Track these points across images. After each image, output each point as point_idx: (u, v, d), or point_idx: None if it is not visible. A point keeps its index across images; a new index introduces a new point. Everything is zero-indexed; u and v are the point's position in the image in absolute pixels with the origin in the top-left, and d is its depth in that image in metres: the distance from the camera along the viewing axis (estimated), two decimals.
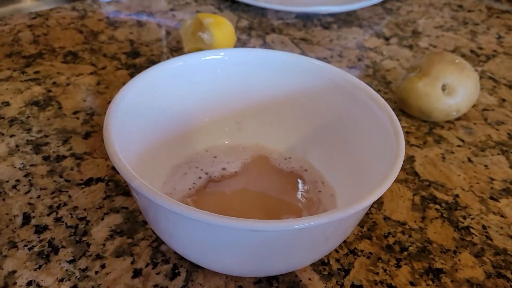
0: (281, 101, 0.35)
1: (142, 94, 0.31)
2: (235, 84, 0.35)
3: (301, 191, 0.33)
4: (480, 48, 0.57)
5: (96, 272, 0.28)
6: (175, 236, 0.26)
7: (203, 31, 0.43)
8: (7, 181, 0.34)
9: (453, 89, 0.40)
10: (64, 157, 0.36)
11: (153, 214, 0.26)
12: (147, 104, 0.31)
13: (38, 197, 0.33)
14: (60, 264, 0.29)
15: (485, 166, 0.39)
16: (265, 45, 0.54)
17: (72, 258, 0.29)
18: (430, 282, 0.29)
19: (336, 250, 0.31)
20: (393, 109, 0.31)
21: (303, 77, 0.34)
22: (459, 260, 0.31)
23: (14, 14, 0.56)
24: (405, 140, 0.41)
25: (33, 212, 0.32)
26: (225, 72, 0.34)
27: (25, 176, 0.34)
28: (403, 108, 0.44)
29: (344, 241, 0.31)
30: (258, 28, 0.57)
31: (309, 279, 0.29)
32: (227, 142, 0.36)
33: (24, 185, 0.34)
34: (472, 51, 0.56)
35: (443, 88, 0.40)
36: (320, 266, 0.30)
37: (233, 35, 0.45)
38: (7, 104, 0.41)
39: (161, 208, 0.23)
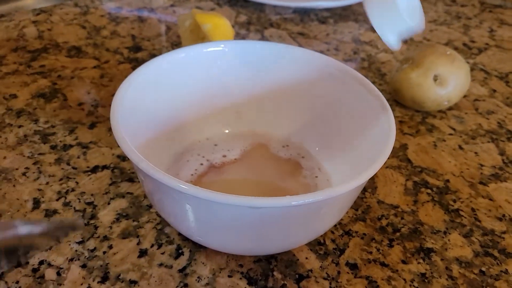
0: (279, 91, 0.37)
1: (146, 84, 0.32)
2: (234, 75, 0.36)
3: (298, 177, 0.35)
4: (473, 42, 0.59)
5: (104, 252, 0.30)
6: (179, 216, 0.27)
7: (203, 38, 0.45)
8: (16, 169, 0.35)
9: (445, 80, 0.42)
10: (71, 146, 0.38)
11: (158, 195, 0.27)
12: (150, 95, 0.33)
13: (47, 183, 0.34)
14: (70, 245, 0.30)
15: (475, 153, 0.41)
16: (263, 39, 0.55)
17: (81, 239, 0.31)
18: (421, 260, 0.31)
19: (331, 231, 0.32)
20: (387, 100, 0.33)
21: (300, 67, 0.35)
22: (449, 240, 0.33)
23: (18, 10, 0.57)
24: (399, 129, 0.42)
25: (43, 197, 0.33)
26: (225, 63, 0.36)
27: (34, 164, 0.36)
28: (397, 99, 0.45)
29: (339, 223, 0.33)
30: (256, 23, 0.59)
31: (306, 258, 0.31)
32: (227, 131, 0.38)
33: (33, 172, 0.35)
34: (464, 44, 0.58)
35: (435, 78, 0.42)
36: (317, 246, 0.31)
37: (232, 36, 0.47)
38: (14, 96, 0.43)
39: (166, 187, 0.24)
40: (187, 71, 0.35)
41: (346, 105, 0.34)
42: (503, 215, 0.35)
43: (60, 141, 0.38)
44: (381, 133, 0.29)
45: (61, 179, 0.35)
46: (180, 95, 0.35)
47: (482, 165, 0.39)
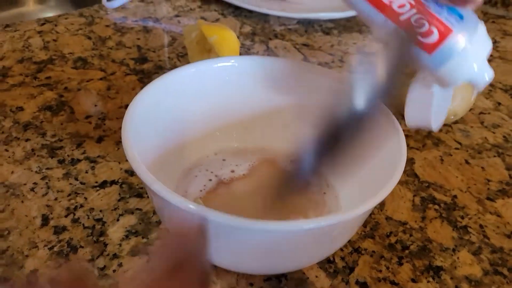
0: (287, 107, 0.37)
1: (157, 100, 0.32)
2: (243, 90, 0.36)
3: (307, 193, 0.35)
4: None
5: (114, 271, 0.30)
6: None
7: (209, 54, 0.45)
8: (24, 184, 0.35)
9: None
10: (79, 160, 0.38)
11: (170, 214, 0.27)
12: (161, 110, 0.33)
13: (56, 199, 0.34)
14: (79, 263, 0.30)
15: (482, 168, 0.41)
16: (268, 50, 0.55)
17: (90, 257, 0.30)
18: (430, 279, 0.31)
19: (341, 249, 0.32)
20: (394, 113, 0.33)
21: (308, 83, 0.35)
22: (458, 258, 0.33)
23: (23, 20, 0.57)
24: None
25: (51, 213, 0.33)
26: (235, 79, 0.36)
27: (42, 179, 0.36)
28: (403, 112, 0.45)
29: (349, 240, 0.33)
30: (261, 34, 0.59)
31: (316, 276, 0.31)
32: (235, 146, 0.38)
33: (42, 188, 0.35)
34: None
35: None
36: (326, 264, 0.31)
37: (237, 48, 0.47)
38: (21, 109, 0.43)
39: (178, 209, 0.24)
40: (197, 86, 0.35)
41: None
42: (511, 232, 0.35)
43: (68, 155, 0.38)
44: (392, 152, 0.29)
45: (69, 195, 0.35)
46: (189, 111, 0.35)
47: (489, 180, 0.39)
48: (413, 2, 0.29)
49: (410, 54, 0.29)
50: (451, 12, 0.29)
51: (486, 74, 0.31)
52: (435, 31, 0.28)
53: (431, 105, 0.33)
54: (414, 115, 0.34)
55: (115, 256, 0.31)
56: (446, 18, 0.28)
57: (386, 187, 0.26)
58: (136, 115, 0.30)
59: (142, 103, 0.31)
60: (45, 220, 0.33)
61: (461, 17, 0.29)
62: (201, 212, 0.23)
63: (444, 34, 0.28)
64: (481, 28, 0.30)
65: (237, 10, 0.64)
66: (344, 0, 0.32)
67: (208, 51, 0.48)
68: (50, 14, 0.76)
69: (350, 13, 0.61)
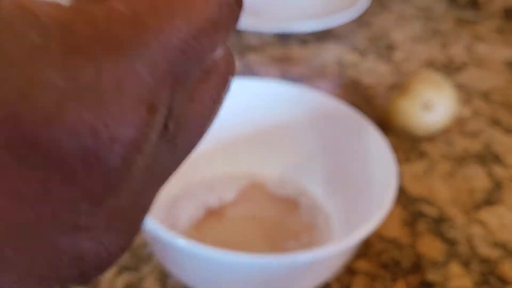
0: (274, 130, 0.37)
1: None
2: (227, 113, 0.36)
3: (297, 216, 0.35)
4: (451, 60, 0.60)
5: None
6: (185, 270, 0.27)
7: None
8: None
9: (432, 107, 0.43)
10: None
11: (164, 251, 0.27)
12: None
13: None
14: None
15: (465, 178, 0.41)
16: (244, 65, 0.55)
17: None
18: None
19: None
20: (378, 126, 0.33)
21: (294, 106, 0.35)
22: (449, 271, 0.33)
23: None
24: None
25: None
26: None
27: None
28: (387, 126, 0.46)
29: None
30: (235, 48, 0.58)
31: None
32: (222, 171, 0.38)
33: None
34: (443, 63, 0.59)
35: (423, 106, 0.43)
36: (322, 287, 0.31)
37: None
38: None
39: (175, 247, 0.24)
40: None
41: (343, 142, 0.34)
42: (497, 242, 0.36)
43: None
44: (381, 170, 0.30)
45: None
46: None
47: (473, 191, 0.40)
48: None
49: None
50: None
51: None
52: None
53: None
54: None
55: None
56: None
57: (380, 211, 0.26)
58: None
59: None
60: None
61: None
62: (195, 249, 0.23)
63: None
64: None
65: None
66: None
67: None
68: None
69: (325, 25, 0.61)
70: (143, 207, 0.12)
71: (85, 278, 0.12)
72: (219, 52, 0.12)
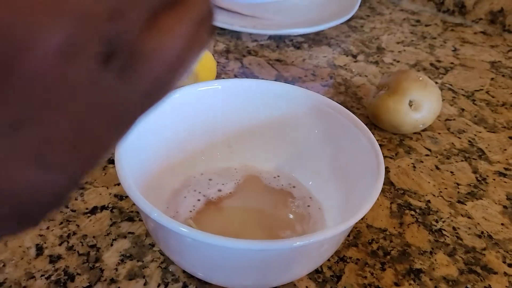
0: (269, 125, 0.39)
1: (145, 126, 0.33)
2: (226, 111, 0.38)
3: (291, 207, 0.37)
4: (439, 61, 0.62)
5: None
6: (186, 257, 0.29)
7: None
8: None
9: (419, 105, 0.45)
10: None
11: (167, 239, 0.28)
12: (149, 135, 0.34)
13: (48, 228, 0.35)
14: None
15: (451, 172, 0.43)
16: (243, 67, 0.57)
17: (88, 284, 0.31)
18: (412, 282, 0.33)
19: (328, 259, 0.34)
20: (366, 124, 0.35)
21: (288, 103, 0.37)
22: (435, 260, 0.35)
23: None
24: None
25: (45, 243, 0.34)
26: (218, 101, 0.37)
27: None
28: (375, 123, 0.48)
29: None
30: (234, 51, 0.60)
31: (306, 286, 0.32)
32: (220, 165, 0.39)
33: None
34: (431, 64, 0.61)
35: (410, 104, 0.45)
36: (315, 274, 0.33)
37: (215, 67, 0.48)
38: None
39: (178, 235, 0.26)
40: (182, 110, 0.36)
41: (333, 137, 0.36)
42: (482, 232, 0.38)
43: None
44: (369, 163, 0.32)
45: (61, 223, 0.35)
46: (176, 134, 0.37)
47: (458, 184, 0.42)
48: None
49: None
50: None
51: None
52: None
53: None
54: None
55: (112, 281, 0.32)
56: None
57: (369, 201, 0.28)
58: (127, 143, 0.31)
59: (133, 130, 0.32)
60: (40, 249, 0.33)
61: None
62: (196, 236, 0.25)
63: None
64: None
65: None
66: None
67: None
68: None
69: (318, 28, 0.63)
70: (95, 145, 0.11)
71: (24, 219, 0.11)
72: None
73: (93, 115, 0.11)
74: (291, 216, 0.36)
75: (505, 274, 0.34)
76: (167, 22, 0.11)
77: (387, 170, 0.43)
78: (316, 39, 0.65)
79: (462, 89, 0.57)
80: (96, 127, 0.11)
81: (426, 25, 0.73)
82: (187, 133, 0.37)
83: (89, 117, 0.10)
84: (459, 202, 0.40)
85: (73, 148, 0.10)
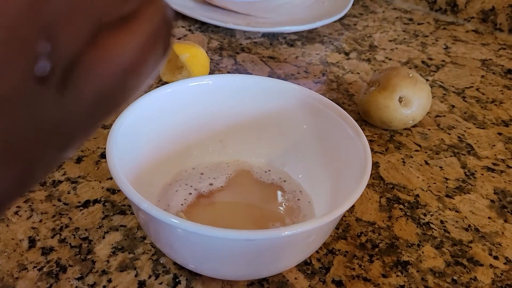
0: (260, 120, 0.39)
1: (137, 121, 0.34)
2: (217, 106, 0.39)
3: (282, 200, 0.37)
4: (430, 59, 0.63)
5: (104, 287, 0.31)
6: (177, 248, 0.29)
7: (180, 71, 0.47)
8: (8, 208, 0.36)
9: (409, 101, 0.45)
10: (60, 181, 0.39)
11: (157, 230, 0.29)
12: (141, 130, 0.34)
13: (40, 221, 0.35)
14: (69, 281, 0.31)
15: (440, 167, 0.44)
16: (236, 64, 0.57)
17: (80, 275, 0.32)
18: (399, 273, 0.34)
19: (317, 251, 0.35)
20: (357, 120, 0.35)
21: (278, 98, 0.38)
22: (423, 252, 0.36)
23: None
24: (370, 148, 0.46)
25: (37, 235, 0.34)
26: (210, 97, 0.38)
27: (25, 202, 0.37)
28: (366, 119, 0.49)
29: (323, 243, 0.36)
30: (228, 48, 0.61)
31: (295, 278, 0.33)
32: (212, 160, 0.40)
33: (26, 211, 0.36)
34: (423, 62, 0.62)
35: (400, 100, 0.45)
36: (304, 266, 0.34)
37: (208, 64, 0.49)
38: None
39: (165, 224, 0.26)
40: (174, 105, 0.37)
41: (323, 132, 0.37)
42: (469, 226, 0.38)
43: (49, 177, 0.39)
44: (357, 157, 0.32)
45: (54, 216, 0.36)
46: (167, 129, 0.37)
47: (447, 179, 0.43)
48: None
49: None
50: None
51: None
52: None
53: None
54: None
55: (104, 272, 0.32)
56: None
57: (355, 192, 0.28)
58: (118, 137, 0.31)
59: (125, 125, 0.32)
60: (32, 242, 0.34)
61: None
62: (185, 226, 0.25)
63: None
64: None
65: (204, 26, 0.66)
66: None
67: (179, 68, 0.50)
68: None
69: (311, 25, 0.64)
70: (31, 161, 0.11)
71: None
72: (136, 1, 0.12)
73: (27, 131, 0.10)
74: (281, 209, 0.36)
75: (491, 266, 0.35)
76: (115, 36, 0.11)
77: (377, 165, 0.44)
78: (309, 37, 0.66)
79: (453, 86, 0.57)
80: (32, 143, 0.11)
81: (419, 24, 0.73)
82: (178, 128, 0.38)
83: (22, 133, 0.10)
84: (447, 196, 0.41)
85: (2, 164, 0.10)
